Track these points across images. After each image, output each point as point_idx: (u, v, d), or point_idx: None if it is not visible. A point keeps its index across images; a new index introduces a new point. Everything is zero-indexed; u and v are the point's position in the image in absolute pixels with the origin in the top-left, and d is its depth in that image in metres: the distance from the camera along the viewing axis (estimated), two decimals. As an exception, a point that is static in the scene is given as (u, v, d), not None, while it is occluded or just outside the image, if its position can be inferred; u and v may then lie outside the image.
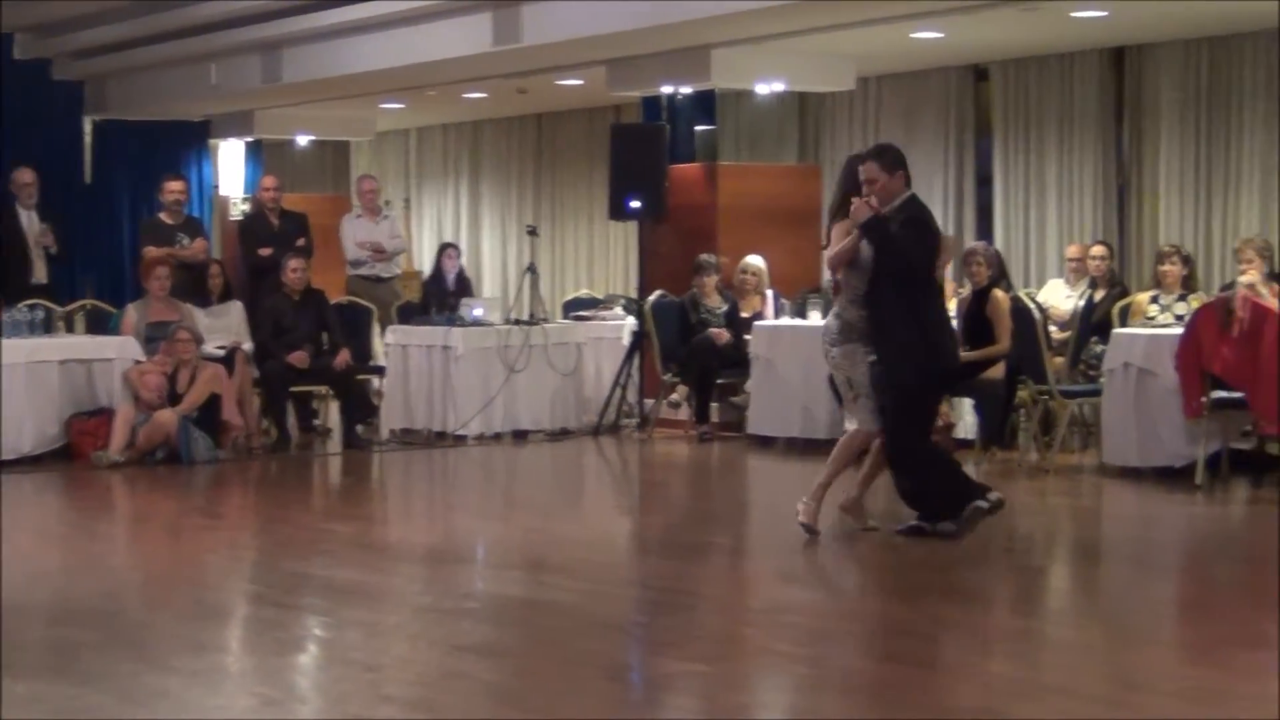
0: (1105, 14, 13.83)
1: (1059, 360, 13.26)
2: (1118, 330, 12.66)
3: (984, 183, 16.93)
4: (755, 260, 15.43)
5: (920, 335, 9.80)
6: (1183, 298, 12.81)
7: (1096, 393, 12.72)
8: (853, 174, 9.88)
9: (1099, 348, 13.04)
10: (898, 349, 9.76)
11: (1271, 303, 11.90)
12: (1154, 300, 12.97)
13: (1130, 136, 15.75)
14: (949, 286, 14.61)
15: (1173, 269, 13.01)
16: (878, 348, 9.79)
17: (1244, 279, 12.20)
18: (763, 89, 16.29)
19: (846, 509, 10.11)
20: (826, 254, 9.98)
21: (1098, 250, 14.44)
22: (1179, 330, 11.89)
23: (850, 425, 10.05)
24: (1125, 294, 13.81)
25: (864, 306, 9.78)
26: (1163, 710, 6.41)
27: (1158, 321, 12.63)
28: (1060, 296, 14.62)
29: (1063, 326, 14.03)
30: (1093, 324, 13.52)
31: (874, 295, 9.78)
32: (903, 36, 14.73)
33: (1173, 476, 11.82)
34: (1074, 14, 13.83)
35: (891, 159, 9.78)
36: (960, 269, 13.76)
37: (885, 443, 9.93)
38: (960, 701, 6.57)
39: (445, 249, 17.48)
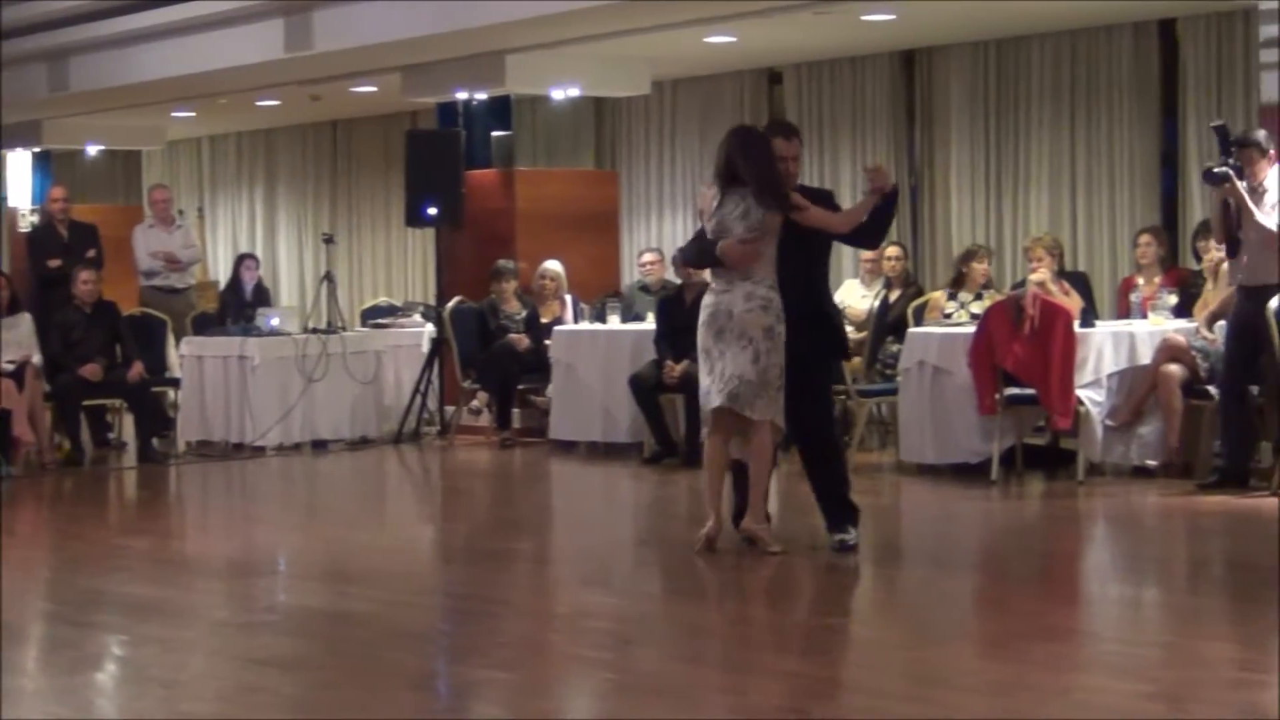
0: (894, 17, 14.00)
1: (856, 360, 13.39)
2: (913, 330, 12.81)
3: (779, 185, 17.02)
4: (553, 265, 15.42)
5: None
6: (979, 296, 12.98)
7: (893, 392, 12.86)
8: (750, 142, 9.30)
9: (895, 347, 13.18)
10: (835, 326, 9.57)
11: (1061, 300, 12.11)
12: (951, 297, 13.11)
13: (922, 138, 15.97)
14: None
15: (981, 267, 13.17)
16: (815, 327, 9.31)
17: (1034, 277, 12.40)
18: (558, 94, 16.30)
19: (749, 530, 9.46)
20: (815, 218, 9.15)
21: (892, 251, 14.58)
22: (973, 328, 12.06)
23: (759, 414, 9.15)
24: (920, 293, 13.98)
25: (798, 285, 9.19)
26: (960, 704, 6.48)
27: (954, 320, 12.77)
28: (856, 297, 14.78)
29: (859, 327, 14.19)
30: (888, 324, 13.68)
31: (815, 271, 9.45)
32: (696, 41, 14.81)
33: (969, 473, 11.98)
34: (864, 17, 13.99)
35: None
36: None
37: (813, 435, 9.45)
38: (764, 701, 6.60)
39: (244, 259, 17.29)
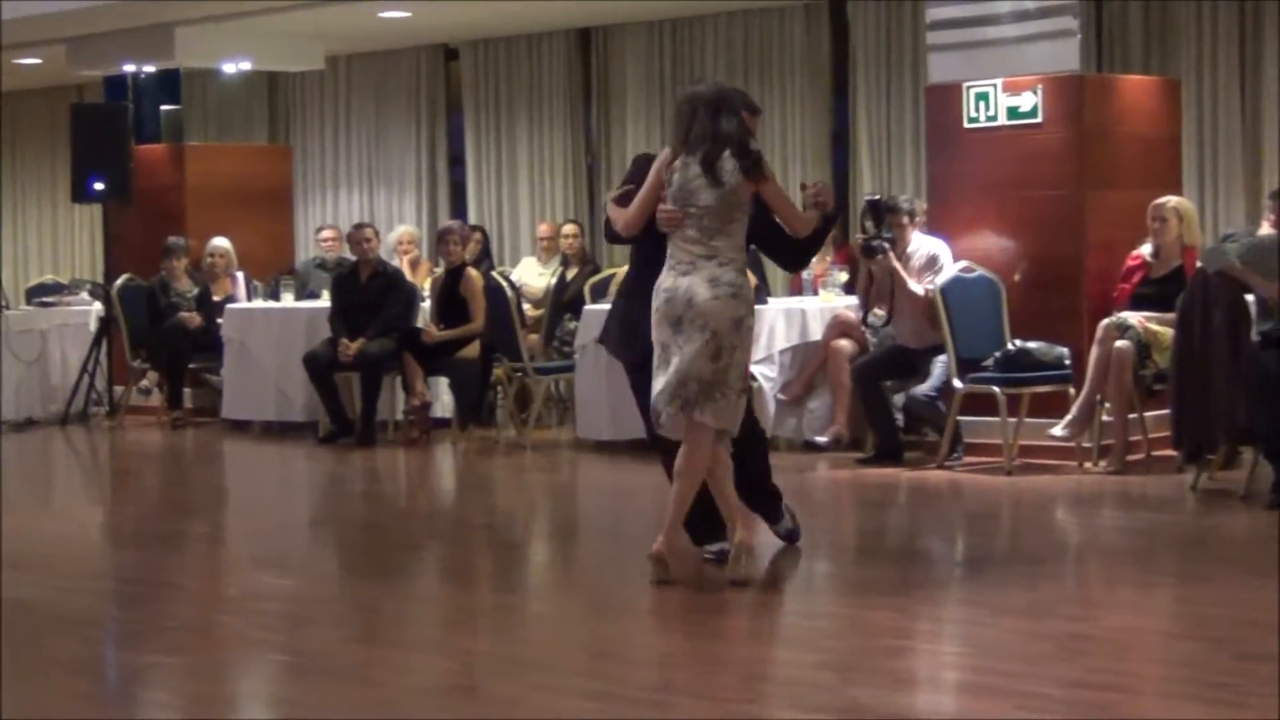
0: (570, -6, 14.05)
1: (533, 337, 13.43)
2: (589, 307, 12.85)
3: (456, 162, 17.04)
4: (221, 242, 15.17)
5: None
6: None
7: (570, 369, 12.90)
8: (724, 103, 7.88)
9: (572, 324, 13.21)
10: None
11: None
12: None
13: (599, 116, 16.05)
14: (425, 266, 14.69)
15: None
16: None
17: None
18: (229, 68, 16.05)
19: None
20: (782, 205, 7.98)
21: (569, 229, 14.67)
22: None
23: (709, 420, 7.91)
24: (597, 271, 14.06)
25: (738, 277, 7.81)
26: (633, 678, 6.52)
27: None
28: (533, 274, 14.80)
29: (536, 304, 14.21)
30: (566, 301, 13.72)
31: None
32: (370, 16, 14.70)
33: (645, 449, 11.99)
34: (538, -7, 14.02)
35: None
36: (437, 248, 13.76)
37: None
38: (436, 679, 6.56)
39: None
